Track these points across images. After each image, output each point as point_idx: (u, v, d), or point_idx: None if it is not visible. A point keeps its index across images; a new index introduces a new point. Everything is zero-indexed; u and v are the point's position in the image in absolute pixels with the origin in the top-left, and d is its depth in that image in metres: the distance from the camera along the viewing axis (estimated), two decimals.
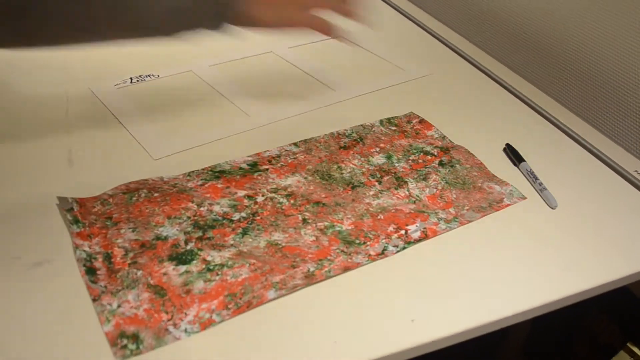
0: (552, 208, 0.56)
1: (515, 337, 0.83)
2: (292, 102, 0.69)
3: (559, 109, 0.75)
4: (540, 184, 0.59)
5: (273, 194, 0.53)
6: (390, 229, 0.50)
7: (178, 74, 0.73)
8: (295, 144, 0.60)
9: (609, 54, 0.83)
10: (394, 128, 0.65)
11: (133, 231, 0.46)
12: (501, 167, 0.61)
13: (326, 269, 0.45)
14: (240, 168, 0.56)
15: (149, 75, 0.71)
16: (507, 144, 0.64)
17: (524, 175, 0.61)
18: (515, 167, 0.62)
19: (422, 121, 0.67)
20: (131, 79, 0.70)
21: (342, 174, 0.57)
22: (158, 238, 0.46)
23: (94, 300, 0.40)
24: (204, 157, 0.57)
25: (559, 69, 0.94)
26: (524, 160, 0.62)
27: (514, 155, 0.63)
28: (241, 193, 0.52)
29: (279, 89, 0.72)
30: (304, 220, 0.50)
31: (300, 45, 0.83)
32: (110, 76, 0.70)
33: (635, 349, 0.77)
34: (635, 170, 0.63)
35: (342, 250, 0.47)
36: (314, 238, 0.48)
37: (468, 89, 0.78)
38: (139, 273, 0.42)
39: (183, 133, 0.62)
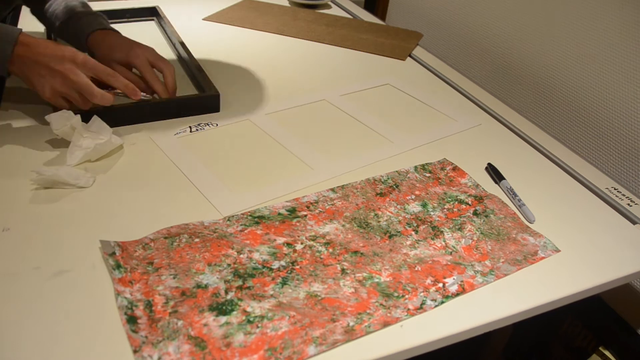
0: (530, 222, 0.58)
1: (497, 340, 0.85)
2: (354, 155, 0.67)
3: (537, 132, 0.77)
4: (520, 200, 0.60)
5: (312, 242, 0.51)
6: (428, 281, 0.48)
7: (235, 122, 0.71)
8: (332, 190, 0.59)
9: (586, 86, 0.86)
10: (428, 175, 0.63)
11: (174, 278, 0.44)
12: (483, 184, 0.63)
13: (366, 324, 0.43)
14: (279, 214, 0.54)
15: (208, 124, 0.70)
16: (489, 164, 0.66)
17: (504, 192, 0.62)
18: (496, 185, 0.64)
19: (455, 168, 0.65)
20: (190, 127, 0.68)
21: (379, 222, 0.55)
22: (198, 286, 0.44)
23: (134, 351, 0.38)
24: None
25: (538, 96, 0.98)
26: (504, 179, 0.63)
27: (494, 173, 0.65)
28: (280, 240, 0.50)
29: (338, 139, 0.70)
30: (343, 271, 0.48)
31: (350, 93, 0.83)
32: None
33: (607, 353, 0.80)
34: (607, 188, 0.65)
35: (381, 304, 0.45)
36: (352, 290, 0.46)
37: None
38: (180, 323, 0.40)
39: (249, 186, 0.59)
